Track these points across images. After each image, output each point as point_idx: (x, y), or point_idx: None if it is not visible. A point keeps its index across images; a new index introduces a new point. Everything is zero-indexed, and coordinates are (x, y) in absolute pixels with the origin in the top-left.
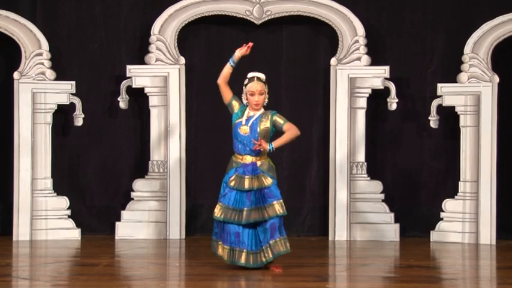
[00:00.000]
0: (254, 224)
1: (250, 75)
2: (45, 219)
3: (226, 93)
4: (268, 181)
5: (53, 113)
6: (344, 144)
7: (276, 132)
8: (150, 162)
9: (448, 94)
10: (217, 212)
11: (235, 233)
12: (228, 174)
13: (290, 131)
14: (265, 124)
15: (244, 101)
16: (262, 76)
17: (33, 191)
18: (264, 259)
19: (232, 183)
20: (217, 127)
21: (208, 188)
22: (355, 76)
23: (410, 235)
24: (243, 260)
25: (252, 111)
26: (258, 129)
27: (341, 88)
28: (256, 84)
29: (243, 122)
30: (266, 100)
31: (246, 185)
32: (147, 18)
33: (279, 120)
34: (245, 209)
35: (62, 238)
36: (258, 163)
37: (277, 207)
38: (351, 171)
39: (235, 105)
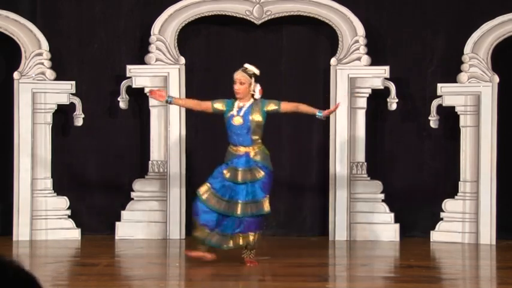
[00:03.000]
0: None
1: (244, 67)
2: (45, 219)
3: (205, 106)
4: (260, 174)
5: (53, 113)
6: (344, 144)
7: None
8: (150, 162)
9: (448, 94)
10: (209, 198)
11: (219, 220)
12: (225, 163)
13: (301, 105)
14: (258, 117)
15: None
16: (250, 68)
17: (33, 191)
18: (235, 243)
19: (227, 175)
20: (217, 127)
21: None
22: (355, 76)
23: (410, 235)
24: (231, 243)
25: (240, 102)
26: (250, 118)
27: (341, 88)
28: (238, 74)
29: (235, 113)
30: (253, 93)
31: (240, 178)
32: (147, 18)
33: (273, 106)
34: (240, 201)
35: (62, 238)
36: (252, 153)
37: (266, 204)
38: (351, 171)
39: (220, 105)
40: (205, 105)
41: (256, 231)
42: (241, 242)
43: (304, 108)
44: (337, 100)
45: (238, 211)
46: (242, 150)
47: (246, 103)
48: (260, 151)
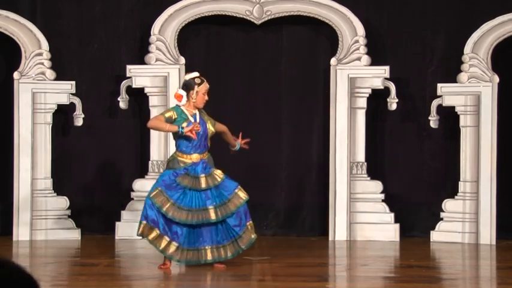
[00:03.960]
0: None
1: (197, 74)
2: (45, 219)
3: (160, 124)
4: (220, 176)
5: (53, 113)
6: (344, 144)
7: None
8: (150, 162)
9: (448, 94)
10: (168, 210)
11: (185, 233)
12: (171, 172)
13: (226, 130)
14: (210, 127)
15: (186, 98)
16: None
17: (33, 191)
18: (230, 252)
19: (184, 182)
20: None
21: None
22: (355, 76)
23: (410, 235)
24: (209, 256)
25: (193, 110)
26: (208, 127)
27: (341, 88)
28: (207, 85)
29: (192, 120)
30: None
31: (203, 184)
32: (147, 18)
33: (212, 121)
34: (210, 207)
35: (62, 238)
36: (206, 159)
37: (241, 194)
38: (351, 171)
39: (170, 113)
40: (161, 120)
41: (244, 227)
42: (243, 245)
43: (226, 135)
44: (337, 100)
45: (212, 216)
46: (196, 157)
47: (196, 112)
48: (209, 156)
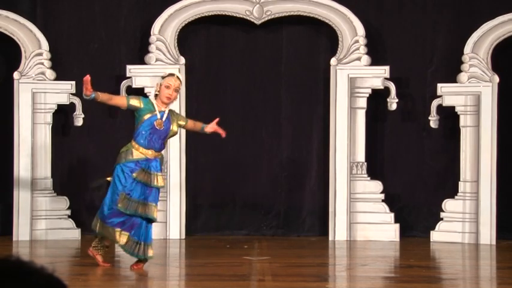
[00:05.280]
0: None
1: (170, 71)
2: (45, 219)
3: (118, 100)
4: (162, 182)
5: (53, 113)
6: (344, 144)
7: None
8: None
9: (448, 94)
10: (122, 203)
11: (139, 224)
12: (125, 165)
13: (192, 123)
14: (175, 128)
15: (154, 93)
16: (181, 76)
17: (33, 191)
18: (142, 253)
19: (138, 177)
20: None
21: (209, 187)
22: (355, 76)
23: (410, 235)
24: (150, 253)
25: (161, 106)
26: (171, 127)
27: (341, 88)
28: (175, 80)
29: (158, 116)
30: (174, 100)
31: (154, 182)
32: (147, 18)
33: (182, 121)
34: (153, 204)
35: (62, 238)
36: (160, 158)
37: (155, 210)
38: (351, 171)
39: (136, 101)
40: (119, 100)
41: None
42: (150, 253)
43: (193, 125)
44: (337, 100)
45: (155, 214)
46: (151, 154)
47: (165, 110)
48: (163, 157)
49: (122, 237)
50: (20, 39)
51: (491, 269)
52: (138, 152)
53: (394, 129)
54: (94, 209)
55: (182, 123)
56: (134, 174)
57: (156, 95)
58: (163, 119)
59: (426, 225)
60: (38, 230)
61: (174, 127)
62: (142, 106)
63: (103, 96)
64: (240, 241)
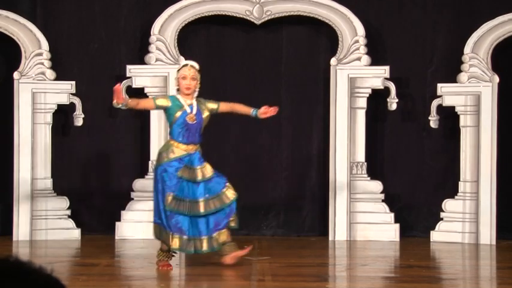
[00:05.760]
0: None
1: (183, 62)
2: (45, 219)
3: (146, 103)
4: (211, 170)
5: (53, 113)
6: (344, 144)
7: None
8: (150, 162)
9: (448, 94)
10: (171, 204)
11: (188, 222)
12: (169, 164)
13: (236, 104)
14: (206, 115)
15: (175, 87)
16: (195, 64)
17: (33, 191)
18: (215, 244)
19: (184, 175)
20: (217, 127)
21: None
22: (355, 76)
23: (410, 235)
24: (205, 247)
25: (187, 99)
26: (203, 116)
27: (341, 88)
28: (189, 70)
29: (188, 110)
30: (197, 89)
31: (199, 176)
32: (147, 18)
33: (213, 105)
34: (200, 199)
35: (62, 238)
36: (200, 150)
37: (228, 193)
38: (351, 171)
39: (164, 101)
40: (146, 103)
41: (227, 225)
42: (215, 244)
43: (239, 108)
44: (337, 100)
45: (201, 209)
46: (192, 148)
47: (192, 101)
48: (200, 149)
49: (175, 240)
50: (20, 39)
51: (491, 269)
52: (179, 149)
53: (394, 129)
54: (94, 209)
55: (213, 106)
56: (179, 173)
57: (178, 90)
58: (194, 111)
59: (426, 225)
60: (38, 230)
61: (204, 115)
62: (170, 104)
63: (131, 103)
64: (240, 241)
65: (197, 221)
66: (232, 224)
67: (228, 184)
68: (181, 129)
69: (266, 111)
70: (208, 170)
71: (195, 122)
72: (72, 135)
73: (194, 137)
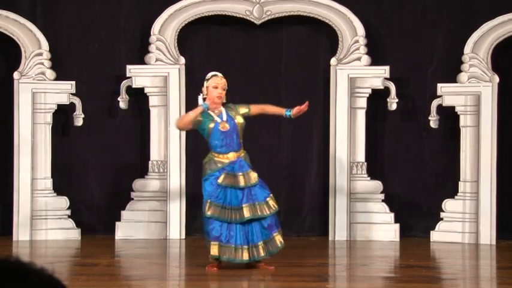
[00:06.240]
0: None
1: (212, 73)
2: (45, 219)
3: (184, 116)
4: (255, 177)
5: (53, 113)
6: (344, 144)
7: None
8: (150, 162)
9: (448, 94)
10: (210, 210)
11: (230, 230)
12: (212, 175)
13: (267, 106)
14: (240, 120)
15: (202, 97)
16: (221, 75)
17: (33, 191)
18: (259, 254)
19: (224, 181)
20: None
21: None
22: (355, 76)
23: (410, 235)
24: (245, 256)
25: (215, 108)
26: (236, 121)
27: (341, 88)
28: (221, 79)
29: (219, 120)
30: (223, 99)
31: (242, 182)
32: (147, 18)
33: (244, 109)
34: (244, 205)
35: (62, 238)
36: (242, 157)
37: (271, 203)
38: (351, 171)
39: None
40: (184, 121)
41: (274, 232)
42: (261, 253)
43: (270, 109)
44: (337, 100)
45: (246, 214)
46: (233, 156)
47: (221, 108)
48: (246, 154)
49: (213, 248)
50: (20, 39)
51: (491, 269)
52: (220, 160)
53: (394, 129)
54: (94, 209)
55: (245, 110)
56: (219, 180)
57: (204, 99)
58: (224, 119)
59: (426, 225)
60: (38, 230)
61: (238, 120)
62: (201, 118)
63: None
64: None
65: (245, 229)
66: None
67: (271, 195)
68: (217, 141)
69: (299, 110)
70: (252, 177)
71: (228, 129)
72: (72, 135)
73: (232, 144)
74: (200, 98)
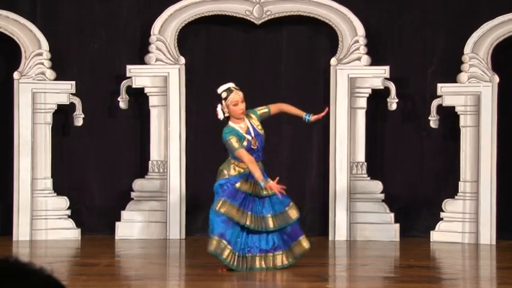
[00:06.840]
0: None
1: (225, 87)
2: (45, 219)
3: (256, 167)
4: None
5: (53, 113)
6: (344, 144)
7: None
8: (150, 162)
9: (448, 94)
10: (223, 208)
11: (241, 237)
12: (228, 180)
13: (284, 105)
14: (260, 127)
15: (223, 115)
16: (235, 85)
17: (33, 191)
18: (284, 262)
19: (242, 187)
20: (217, 127)
21: (209, 187)
22: (355, 76)
23: (410, 235)
24: (257, 264)
25: (240, 123)
26: (260, 132)
27: (341, 88)
28: (237, 94)
29: (249, 137)
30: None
31: (264, 191)
32: (147, 18)
33: (264, 110)
34: (269, 215)
35: (62, 238)
36: (262, 167)
37: (294, 210)
38: (351, 171)
39: (237, 141)
40: (244, 161)
41: (298, 238)
42: (293, 256)
43: (290, 109)
44: (337, 100)
45: (271, 224)
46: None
47: (246, 121)
48: (262, 164)
49: (213, 242)
50: (20, 39)
51: (491, 269)
52: (239, 168)
53: (394, 129)
54: (94, 209)
55: (265, 110)
56: (237, 185)
57: (227, 117)
58: (253, 134)
59: (426, 225)
60: (38, 230)
61: (263, 132)
62: (236, 138)
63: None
64: None
65: (266, 237)
66: (305, 245)
67: (292, 203)
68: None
69: (318, 117)
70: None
71: (257, 144)
72: (72, 135)
73: (258, 156)
74: (219, 109)
